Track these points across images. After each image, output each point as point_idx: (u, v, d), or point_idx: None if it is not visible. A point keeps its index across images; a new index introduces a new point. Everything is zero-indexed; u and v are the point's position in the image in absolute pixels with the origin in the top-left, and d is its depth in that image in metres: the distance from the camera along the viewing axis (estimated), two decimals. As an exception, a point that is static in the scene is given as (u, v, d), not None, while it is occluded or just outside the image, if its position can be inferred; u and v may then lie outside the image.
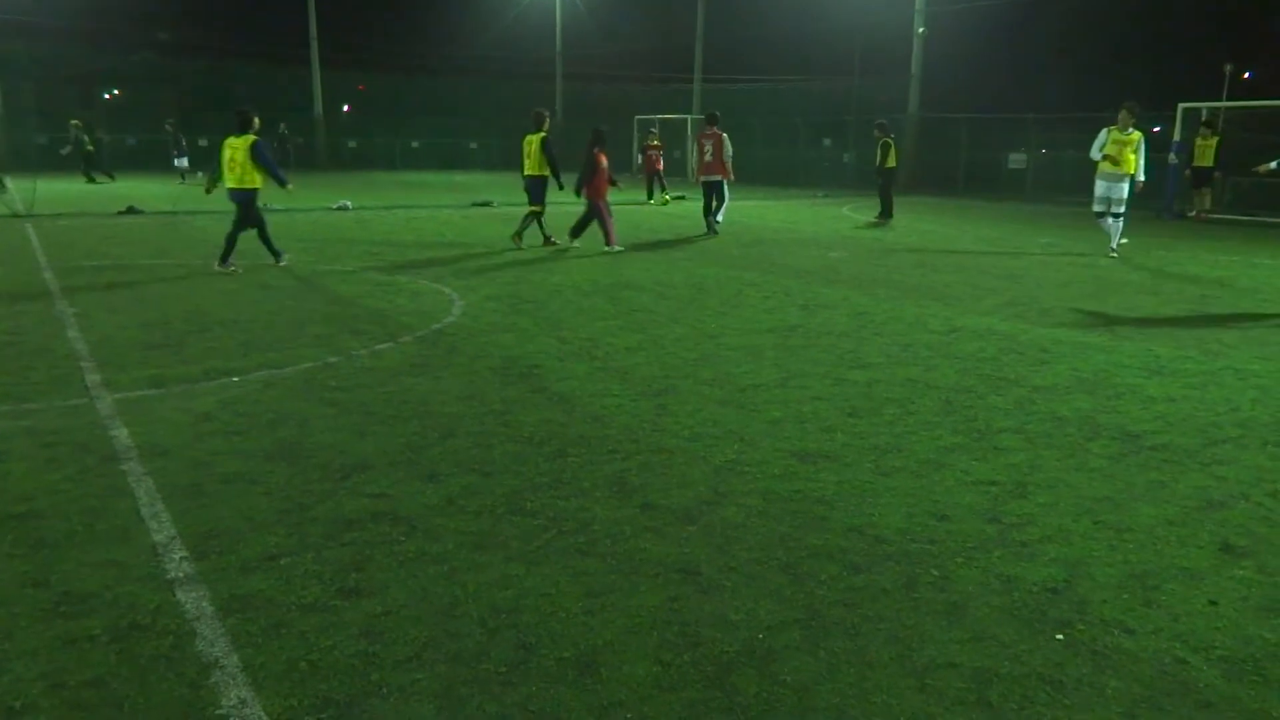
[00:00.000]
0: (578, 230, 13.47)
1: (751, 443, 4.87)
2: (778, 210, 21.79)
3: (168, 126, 29.31)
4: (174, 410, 5.28)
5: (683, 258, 12.64)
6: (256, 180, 10.99)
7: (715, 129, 15.87)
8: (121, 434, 4.84)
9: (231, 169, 10.88)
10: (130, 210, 17.62)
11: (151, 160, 34.40)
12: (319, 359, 6.53)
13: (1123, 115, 12.57)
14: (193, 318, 7.91)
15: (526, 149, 13.60)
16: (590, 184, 13.10)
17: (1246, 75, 51.57)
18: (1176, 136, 21.08)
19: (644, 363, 6.58)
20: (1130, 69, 44.47)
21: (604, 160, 13.18)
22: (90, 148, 26.72)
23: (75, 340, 6.99)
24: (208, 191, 11.55)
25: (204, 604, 3.14)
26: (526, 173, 13.62)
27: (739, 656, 2.88)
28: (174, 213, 17.75)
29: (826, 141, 34.04)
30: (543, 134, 13.47)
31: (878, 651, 2.91)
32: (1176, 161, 20.28)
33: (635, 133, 37.27)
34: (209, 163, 15.72)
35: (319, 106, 38.37)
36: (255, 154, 10.82)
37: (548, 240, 13.68)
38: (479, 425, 5.10)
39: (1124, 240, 13.86)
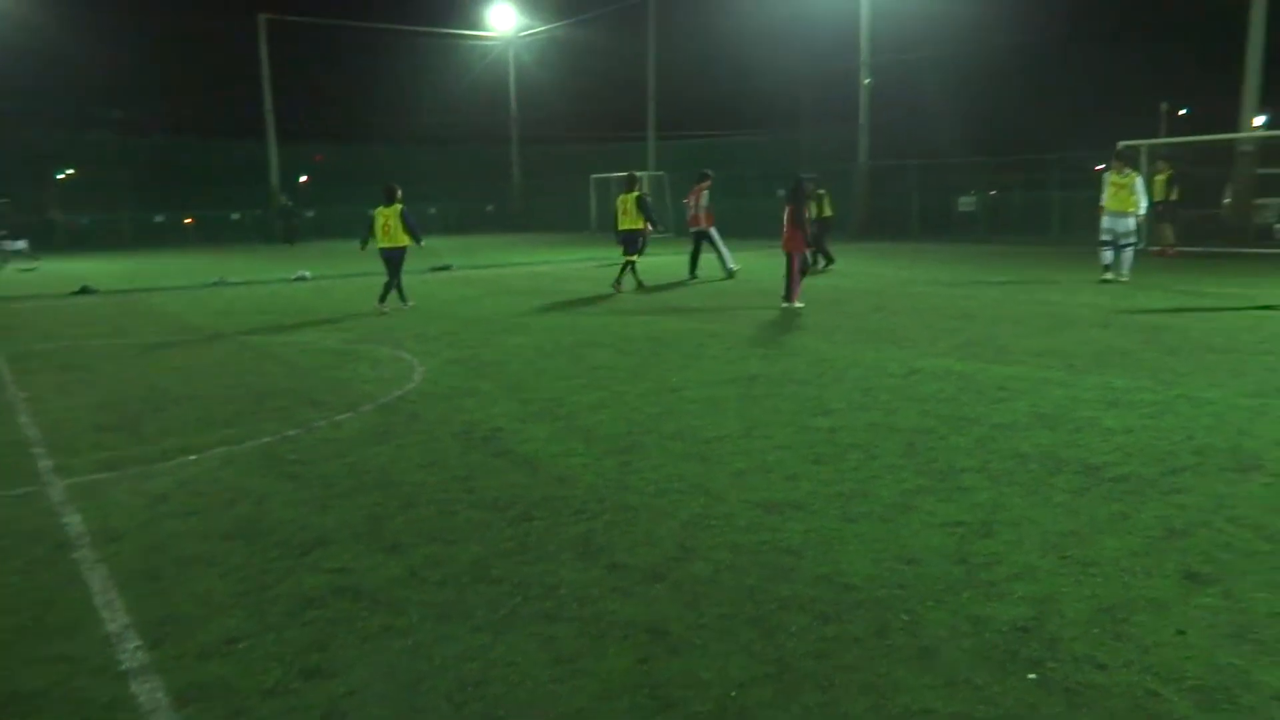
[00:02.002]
0: (798, 280, 12.69)
1: (717, 496, 4.85)
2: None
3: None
4: (128, 493, 5.17)
5: (642, 312, 12.70)
6: (404, 240, 13.30)
7: (699, 184, 17.34)
8: (74, 520, 4.72)
9: (386, 232, 13.28)
10: (84, 290, 17.42)
11: (108, 239, 34.19)
12: (278, 432, 6.44)
13: (1115, 163, 14.51)
14: (148, 396, 7.79)
15: (622, 207, 15.91)
16: (791, 237, 12.46)
17: (1182, 112, 53.35)
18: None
19: (607, 420, 6.56)
20: (1070, 110, 45.84)
21: (800, 214, 12.60)
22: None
23: (26, 426, 6.84)
24: (362, 248, 13.96)
25: (159, 695, 3.03)
26: (621, 228, 15.81)
27: (711, 717, 2.83)
28: (128, 291, 17.57)
29: (780, 192, 34.59)
30: (636, 194, 15.75)
31: (851, 703, 2.88)
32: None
33: (592, 191, 37.71)
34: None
35: (275, 179, 38.40)
36: (404, 219, 13.24)
37: (640, 285, 15.65)
38: (442, 493, 5.04)
39: (1118, 276, 14.62)
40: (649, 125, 37.81)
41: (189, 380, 8.49)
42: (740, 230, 33.23)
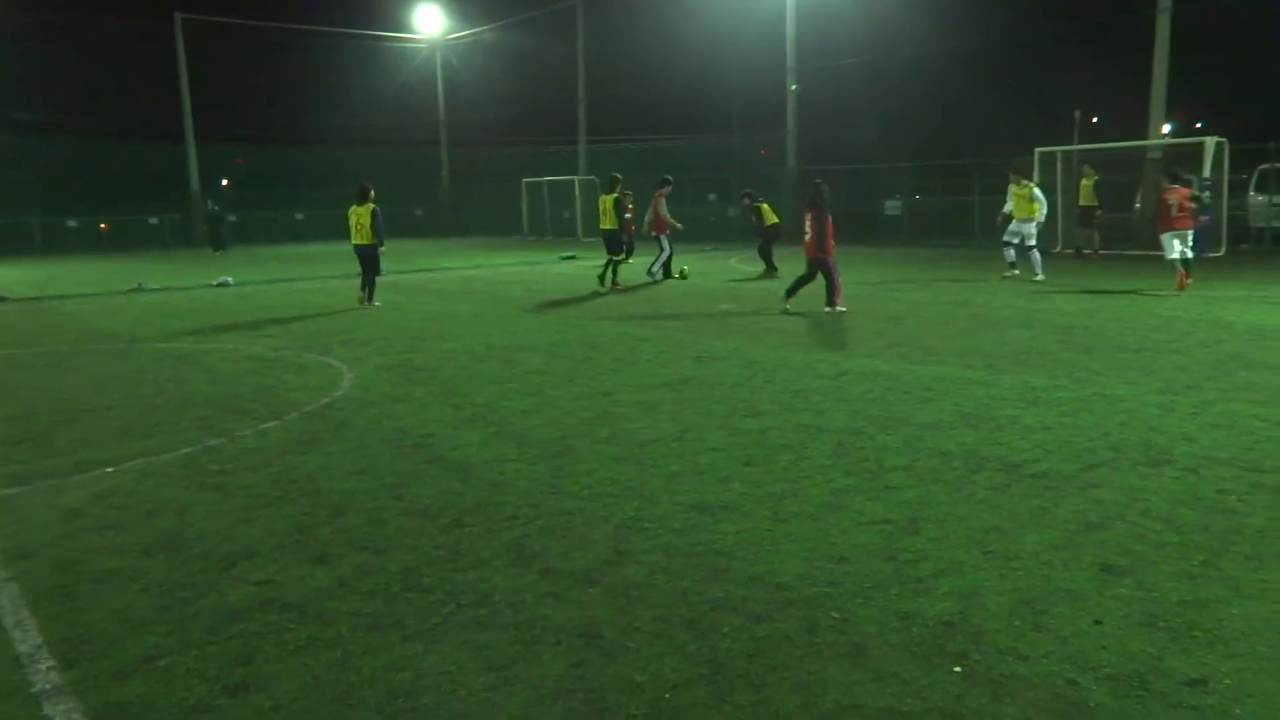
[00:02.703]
0: (833, 294, 12.33)
1: (651, 498, 4.86)
2: (668, 265, 22.08)
3: None
4: (40, 508, 4.97)
5: (576, 316, 12.68)
6: (370, 237, 14.01)
7: (659, 190, 18.11)
8: (-19, 538, 4.52)
9: (359, 230, 14.01)
10: (-9, 298, 16.72)
11: (17, 244, 32.84)
12: (200, 442, 6.26)
13: (1013, 175, 16.32)
14: (61, 407, 7.50)
15: (602, 207, 16.53)
16: (820, 242, 12.13)
17: (1095, 120, 55.33)
18: (1035, 179, 22.39)
19: (540, 425, 6.54)
20: (989, 117, 47.19)
21: (829, 220, 12.33)
22: None
23: (-71, 440, 6.53)
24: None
25: (75, 717, 2.93)
26: (601, 228, 16.46)
27: (646, 719, 2.84)
28: (41, 298, 16.92)
29: (711, 196, 34.92)
30: (614, 195, 16.25)
31: (783, 701, 2.91)
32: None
33: (524, 195, 37.52)
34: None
35: (195, 182, 37.36)
36: (374, 219, 13.96)
37: (614, 286, 16.09)
38: (371, 501, 4.96)
39: (1031, 276, 15.65)
40: (580, 130, 37.78)
41: (105, 390, 8.20)
42: (677, 234, 33.50)
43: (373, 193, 14.24)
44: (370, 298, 14.29)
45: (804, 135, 32.07)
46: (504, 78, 46.11)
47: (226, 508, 4.90)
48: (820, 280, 12.28)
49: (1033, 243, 15.79)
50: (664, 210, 18.18)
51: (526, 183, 37.41)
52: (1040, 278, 15.46)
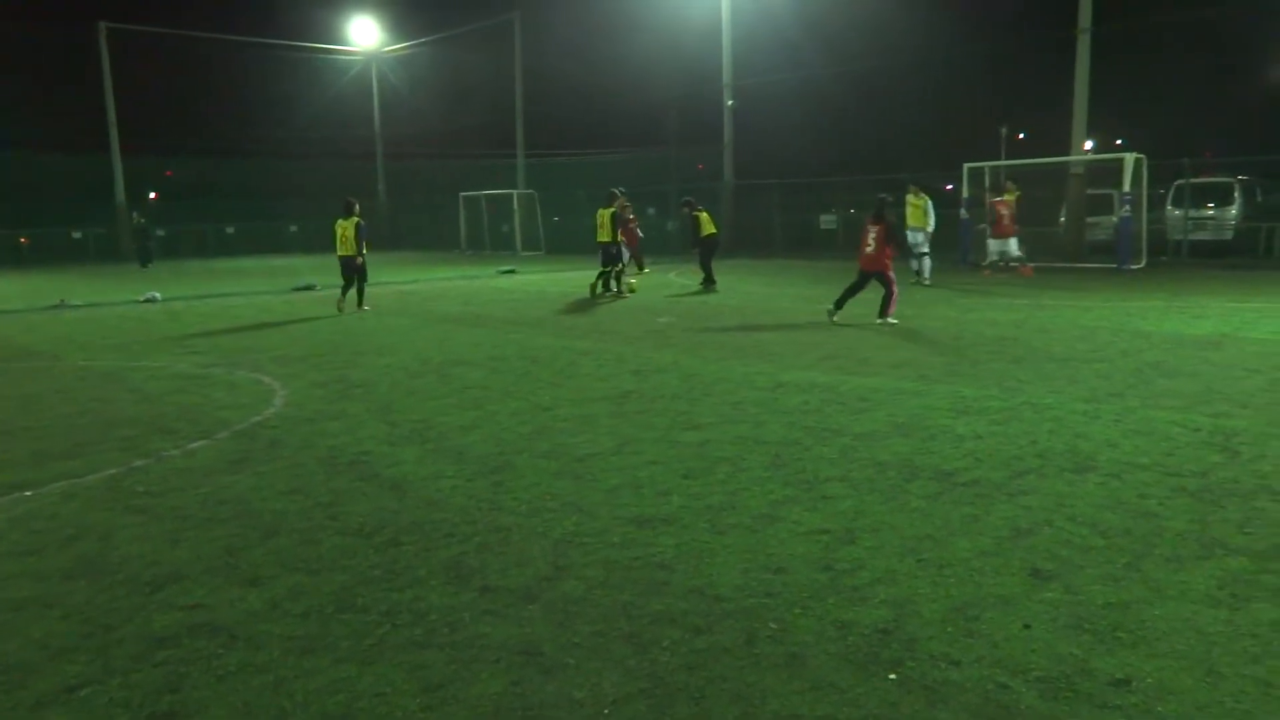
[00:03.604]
0: (887, 305, 12.32)
1: (590, 513, 4.85)
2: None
3: None
4: (-47, 534, 4.77)
5: (515, 331, 12.62)
6: (354, 248, 15.05)
7: (618, 202, 18.07)
8: (-111, 567, 4.32)
9: (344, 242, 15.03)
10: (-98, 315, 16.03)
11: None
12: (125, 463, 6.07)
13: (911, 188, 18.29)
14: (-23, 429, 7.22)
15: (600, 221, 17.27)
16: (880, 254, 12.19)
17: (1021, 136, 57.01)
18: (965, 193, 23.01)
19: (478, 441, 6.48)
20: (921, 133, 48.31)
21: (892, 232, 12.55)
22: None
23: None
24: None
25: (-11, 751, 2.81)
26: (598, 240, 17.28)
27: (585, 735, 2.82)
28: (-45, 315, 16.27)
29: (650, 210, 35.05)
30: (613, 209, 17.14)
31: (722, 713, 2.92)
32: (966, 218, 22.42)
33: (462, 209, 37.27)
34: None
35: (121, 195, 36.35)
36: (359, 231, 15.01)
37: (607, 290, 17.14)
38: (305, 521, 4.86)
39: (928, 282, 17.57)
40: (518, 143, 37.69)
41: (25, 410, 7.91)
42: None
43: (357, 207, 15.41)
44: (360, 302, 15.45)
45: (740, 150, 32.47)
46: (441, 91, 45.84)
47: (153, 530, 4.76)
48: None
49: (924, 250, 17.66)
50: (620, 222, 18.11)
51: (464, 196, 37.18)
52: (928, 282, 17.36)
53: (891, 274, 12.27)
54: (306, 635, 3.53)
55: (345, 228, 15.07)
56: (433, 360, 10.13)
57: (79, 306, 17.61)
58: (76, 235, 36.38)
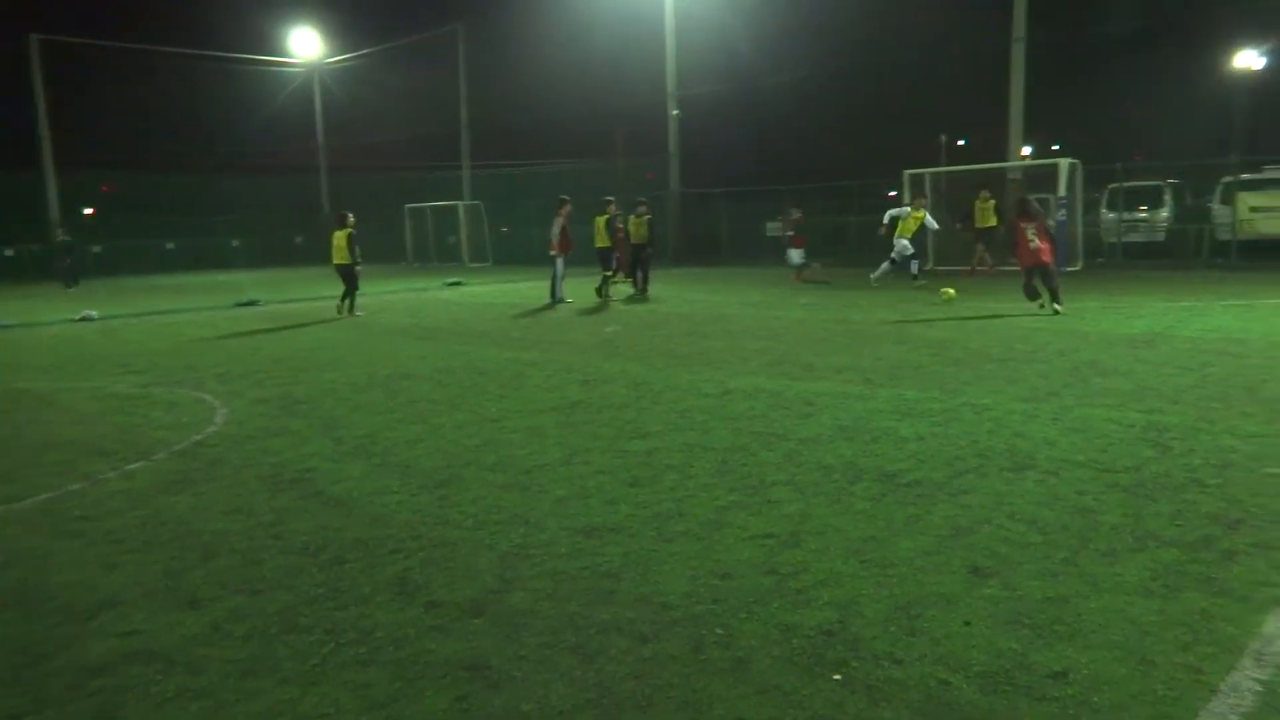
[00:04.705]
0: (1056, 294, 13.10)
1: (537, 524, 4.84)
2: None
3: None
4: (-124, 565, 4.60)
5: (462, 343, 12.54)
6: (348, 257, 16.26)
7: (559, 209, 18.25)
8: None
9: (338, 251, 16.29)
10: None
11: None
12: (60, 487, 5.91)
13: (919, 201, 19.47)
14: (-98, 456, 6.97)
15: (595, 228, 18.21)
16: (1019, 248, 13.03)
17: (961, 142, 58.19)
18: (907, 201, 23.36)
19: (424, 454, 6.43)
20: (862, 141, 49.06)
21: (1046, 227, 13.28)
22: None
23: None
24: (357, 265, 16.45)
25: (-87, 789, 2.72)
26: (597, 245, 18.26)
27: (532, 748, 2.81)
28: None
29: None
30: (606, 216, 18.12)
31: (669, 720, 2.94)
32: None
33: (408, 221, 36.95)
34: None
35: (54, 210, 35.40)
36: (350, 241, 16.22)
37: (604, 295, 18.14)
38: (247, 541, 4.77)
39: (875, 286, 18.79)
40: (463, 154, 37.49)
41: (-48, 435, 7.67)
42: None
43: (351, 218, 16.56)
44: (351, 309, 16.51)
45: (686, 159, 32.66)
46: (385, 102, 45.44)
47: (88, 555, 4.65)
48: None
49: (897, 256, 18.79)
50: (557, 230, 17.94)
51: (409, 208, 36.89)
52: (876, 283, 18.76)
53: (1054, 265, 13.10)
54: (248, 657, 3.47)
55: (339, 238, 16.26)
56: (379, 374, 10.02)
57: (10, 326, 17.12)
58: (8, 253, 35.35)
